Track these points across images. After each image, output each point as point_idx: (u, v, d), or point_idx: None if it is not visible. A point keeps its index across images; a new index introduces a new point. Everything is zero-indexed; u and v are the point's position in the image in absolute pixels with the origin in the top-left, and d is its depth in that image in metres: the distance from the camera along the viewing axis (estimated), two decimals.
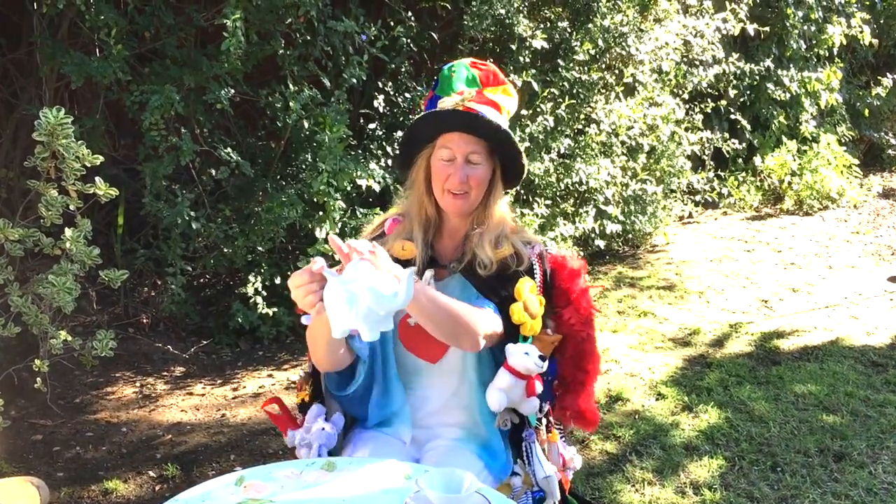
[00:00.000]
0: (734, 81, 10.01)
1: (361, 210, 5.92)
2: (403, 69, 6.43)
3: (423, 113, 2.57)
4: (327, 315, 2.02)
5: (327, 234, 5.49)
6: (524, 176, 2.66)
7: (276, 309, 5.69)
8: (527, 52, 6.93)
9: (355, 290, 1.97)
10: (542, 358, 2.50)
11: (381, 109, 6.30)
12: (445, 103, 2.52)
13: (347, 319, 1.97)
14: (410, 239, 2.64)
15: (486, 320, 2.47)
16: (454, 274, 2.63)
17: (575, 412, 2.71)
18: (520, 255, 2.63)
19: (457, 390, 2.66)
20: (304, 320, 2.41)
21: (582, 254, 7.42)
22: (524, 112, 6.82)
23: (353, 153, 5.89)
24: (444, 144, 2.54)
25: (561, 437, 2.76)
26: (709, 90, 9.43)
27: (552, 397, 2.70)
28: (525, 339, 2.57)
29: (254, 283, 5.64)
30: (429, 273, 2.60)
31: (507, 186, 2.67)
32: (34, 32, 5.25)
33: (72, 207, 4.00)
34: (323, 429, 2.58)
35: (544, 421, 2.70)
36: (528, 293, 2.57)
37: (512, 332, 2.57)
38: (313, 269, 2.11)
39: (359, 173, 5.72)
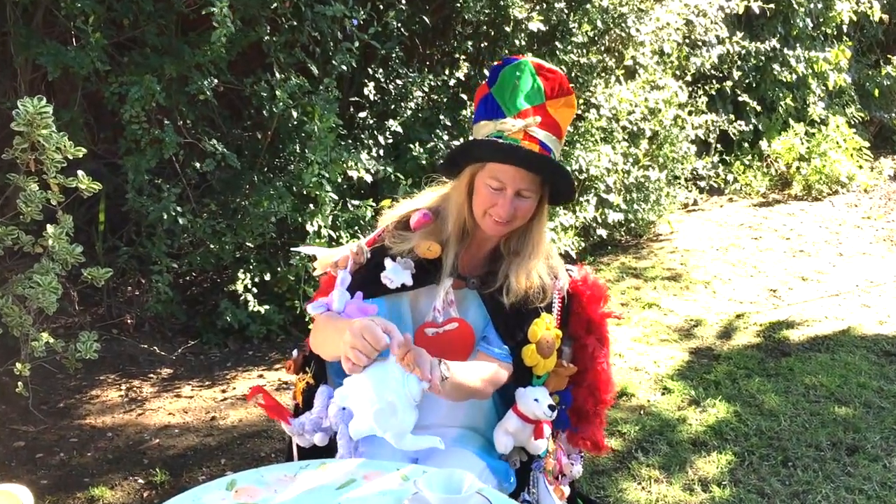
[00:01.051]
0: (739, 62, 10.02)
1: (353, 202, 5.92)
2: (394, 55, 6.43)
3: (484, 139, 2.50)
4: (354, 390, 2.17)
5: (320, 229, 5.49)
6: (574, 197, 2.67)
7: (265, 307, 5.69)
8: (523, 34, 6.93)
9: (397, 406, 2.12)
10: (552, 408, 2.54)
11: (371, 97, 6.30)
12: (507, 127, 2.48)
13: (363, 411, 2.14)
14: (439, 242, 2.61)
15: (494, 377, 2.55)
16: (472, 290, 2.63)
17: (592, 442, 2.77)
18: (545, 290, 2.63)
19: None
20: (311, 309, 2.44)
21: (583, 244, 7.42)
22: None
23: (343, 143, 5.89)
24: (494, 174, 2.50)
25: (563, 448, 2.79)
26: (712, 72, 9.43)
27: (567, 425, 2.73)
28: (539, 377, 2.59)
29: (243, 281, 5.64)
30: (448, 282, 2.62)
31: (554, 204, 2.69)
32: (7, 21, 5.24)
33: (53, 202, 4.00)
34: (343, 408, 2.58)
35: (551, 442, 2.72)
36: (544, 332, 2.58)
37: (524, 373, 2.60)
38: (387, 342, 2.19)
39: (350, 164, 5.72)
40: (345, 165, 5.67)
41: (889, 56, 12.09)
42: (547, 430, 2.58)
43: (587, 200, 7.46)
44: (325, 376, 2.75)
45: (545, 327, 2.58)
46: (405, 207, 2.75)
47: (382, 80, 6.41)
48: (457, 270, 2.62)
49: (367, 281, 2.58)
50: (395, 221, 2.72)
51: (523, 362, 2.58)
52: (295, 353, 2.86)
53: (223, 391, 5.28)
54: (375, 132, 6.18)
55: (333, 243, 5.68)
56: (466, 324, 2.60)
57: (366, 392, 2.10)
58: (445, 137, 6.38)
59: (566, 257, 2.80)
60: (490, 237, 2.63)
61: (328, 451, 2.55)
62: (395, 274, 2.55)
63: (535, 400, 2.53)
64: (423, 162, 6.11)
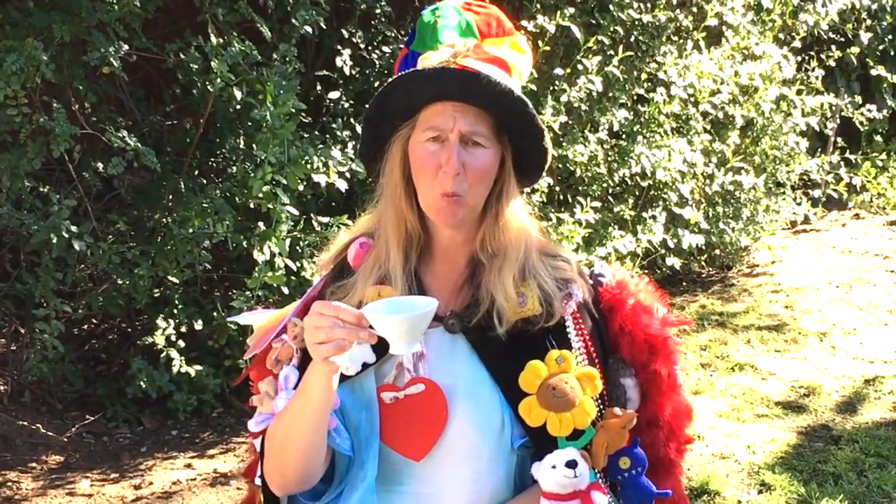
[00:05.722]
0: (868, 21, 10.03)
1: (320, 219, 5.93)
2: (378, 11, 6.46)
3: (394, 77, 2.53)
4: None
5: (273, 257, 5.51)
6: (546, 166, 2.60)
7: (195, 368, 5.68)
8: None
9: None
10: (572, 464, 2.52)
11: (346, 70, 6.32)
12: (430, 60, 2.49)
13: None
14: (387, 276, 2.60)
15: None
16: (455, 334, 2.61)
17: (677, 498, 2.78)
18: (551, 302, 2.60)
19: (465, 487, 2.63)
20: (253, 426, 2.46)
21: (647, 278, 7.43)
22: (559, 71, 6.85)
23: (306, 135, 5.91)
24: (429, 121, 2.50)
25: None
26: (831, 35, 9.45)
27: (652, 497, 2.71)
28: (569, 438, 2.58)
29: (164, 331, 5.64)
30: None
31: (522, 184, 2.64)
32: None
33: None
34: None
35: None
36: (555, 376, 2.56)
37: (540, 438, 2.58)
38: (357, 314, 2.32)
39: (316, 165, 5.73)
40: (309, 167, 5.69)
41: None
42: (600, 498, 2.58)
43: (653, 217, 7.47)
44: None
45: (552, 369, 2.56)
46: (341, 241, 2.78)
47: (362, 46, 6.44)
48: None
49: None
50: (329, 262, 2.76)
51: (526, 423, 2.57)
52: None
53: (136, 487, 5.30)
54: (352, 119, 6.21)
55: (293, 278, 5.69)
56: (435, 385, 2.57)
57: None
58: None
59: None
60: (457, 246, 2.63)
61: None
62: (350, 358, 2.52)
63: (553, 467, 2.53)
64: None
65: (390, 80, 2.53)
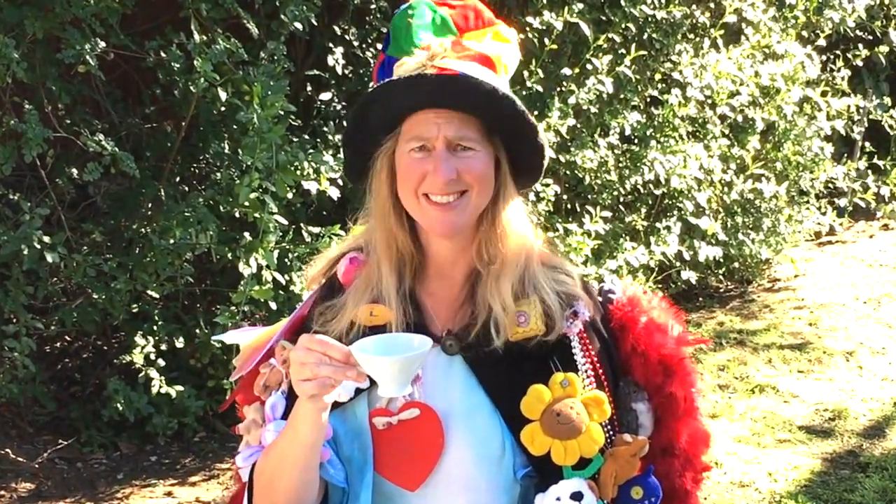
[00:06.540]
0: None
1: (311, 229, 5.91)
2: (373, 6, 6.45)
3: (369, 91, 2.50)
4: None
5: (260, 270, 5.50)
6: (545, 166, 2.54)
7: (176, 388, 5.67)
8: None
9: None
10: (577, 496, 2.49)
11: (338, 70, 6.31)
12: (405, 67, 2.46)
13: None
14: (380, 298, 2.58)
15: None
16: (453, 356, 2.58)
17: None
18: (551, 315, 2.55)
19: None
20: (240, 460, 2.43)
21: (661, 293, 7.41)
22: (567, 71, 6.83)
23: (296, 139, 5.89)
24: (412, 131, 2.46)
25: None
26: (858, 33, 9.45)
27: None
28: (574, 468, 2.56)
29: (142, 349, 5.62)
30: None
31: (520, 186, 2.60)
32: None
33: None
34: None
35: None
36: (560, 401, 2.54)
37: (543, 468, 2.56)
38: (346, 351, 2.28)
39: (306, 171, 5.71)
40: (298, 173, 5.67)
41: None
42: None
43: (667, 227, 7.45)
44: None
45: (557, 393, 2.54)
46: (330, 255, 2.76)
47: (355, 44, 6.43)
48: (425, 330, 2.55)
49: None
50: (318, 277, 2.74)
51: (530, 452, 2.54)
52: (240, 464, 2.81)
53: None
54: (345, 122, 6.19)
55: (281, 292, 5.67)
56: (430, 410, 2.54)
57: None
58: None
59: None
60: (454, 261, 2.60)
61: None
62: (342, 385, 2.48)
63: (557, 499, 2.51)
64: None
65: (365, 95, 2.50)
